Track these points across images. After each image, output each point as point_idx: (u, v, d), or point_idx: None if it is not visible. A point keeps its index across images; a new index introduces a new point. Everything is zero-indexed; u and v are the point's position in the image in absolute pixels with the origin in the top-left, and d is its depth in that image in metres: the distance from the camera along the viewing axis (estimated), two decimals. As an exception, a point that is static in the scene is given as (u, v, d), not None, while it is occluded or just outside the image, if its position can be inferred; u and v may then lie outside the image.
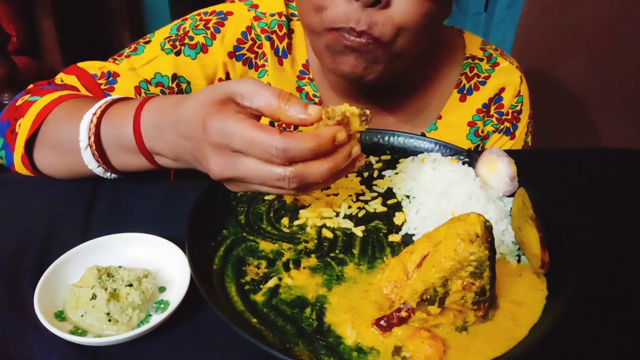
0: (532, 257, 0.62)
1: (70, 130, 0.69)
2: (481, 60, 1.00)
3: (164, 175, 0.81)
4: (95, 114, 0.68)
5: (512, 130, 1.02)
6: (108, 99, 0.71)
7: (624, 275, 0.68)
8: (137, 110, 0.66)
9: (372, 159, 0.84)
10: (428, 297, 0.54)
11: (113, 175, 0.74)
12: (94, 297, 0.55)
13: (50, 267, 0.59)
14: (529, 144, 1.06)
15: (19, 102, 0.77)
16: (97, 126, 0.68)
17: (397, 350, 0.53)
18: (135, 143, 0.66)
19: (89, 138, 0.68)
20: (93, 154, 0.69)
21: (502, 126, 1.01)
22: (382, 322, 0.54)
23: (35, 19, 2.47)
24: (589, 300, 0.61)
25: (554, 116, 2.22)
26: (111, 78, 0.84)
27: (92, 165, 0.70)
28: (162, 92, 0.88)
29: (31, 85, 0.83)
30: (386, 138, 0.88)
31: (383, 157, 0.85)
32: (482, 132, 1.00)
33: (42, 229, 0.69)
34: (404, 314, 0.54)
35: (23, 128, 0.73)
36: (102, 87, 0.83)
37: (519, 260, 0.65)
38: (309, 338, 0.54)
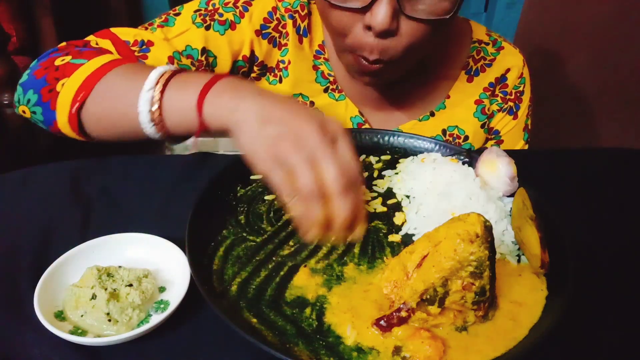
0: (532, 257, 0.62)
1: (130, 91, 0.68)
2: (487, 44, 1.05)
3: (163, 175, 0.81)
4: (162, 74, 0.67)
5: (514, 110, 1.07)
6: (170, 68, 0.70)
7: (624, 275, 0.68)
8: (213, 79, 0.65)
9: (372, 159, 0.84)
10: (428, 297, 0.54)
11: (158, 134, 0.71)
12: (94, 297, 0.55)
13: (50, 267, 0.59)
14: (529, 127, 1.10)
15: (58, 62, 0.77)
16: (162, 91, 0.67)
17: (397, 350, 0.53)
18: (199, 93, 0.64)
19: (153, 104, 0.67)
20: (153, 120, 0.67)
21: (506, 105, 1.06)
22: (382, 322, 0.54)
23: (35, 19, 2.47)
24: (589, 300, 0.61)
25: (554, 116, 2.22)
26: (144, 46, 0.86)
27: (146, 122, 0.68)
28: (192, 64, 0.89)
29: (64, 44, 0.83)
30: (386, 138, 0.88)
31: (383, 157, 0.85)
32: (489, 110, 1.05)
33: (42, 229, 0.69)
34: (404, 314, 0.54)
35: (68, 88, 0.72)
36: (136, 54, 0.85)
37: (519, 260, 0.65)
38: (309, 338, 0.54)
